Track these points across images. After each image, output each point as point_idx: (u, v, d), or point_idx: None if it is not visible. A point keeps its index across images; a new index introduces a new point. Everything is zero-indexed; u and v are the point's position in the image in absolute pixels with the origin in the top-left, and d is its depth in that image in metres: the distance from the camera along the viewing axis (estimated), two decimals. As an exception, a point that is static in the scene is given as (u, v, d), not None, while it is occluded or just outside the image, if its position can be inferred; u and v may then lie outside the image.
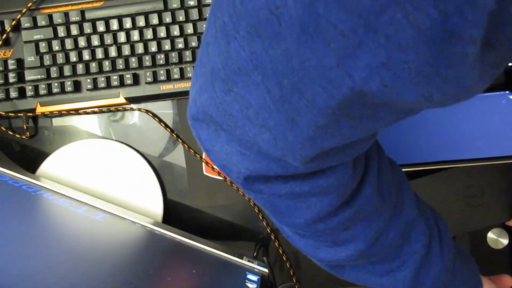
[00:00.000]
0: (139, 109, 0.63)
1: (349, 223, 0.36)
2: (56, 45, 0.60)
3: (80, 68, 0.60)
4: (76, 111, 0.62)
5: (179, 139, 0.63)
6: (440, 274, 0.40)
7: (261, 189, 0.34)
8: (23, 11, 0.60)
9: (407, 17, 0.20)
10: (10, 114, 0.61)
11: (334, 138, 0.29)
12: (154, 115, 0.63)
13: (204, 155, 0.63)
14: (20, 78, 0.61)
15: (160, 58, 0.60)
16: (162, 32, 0.59)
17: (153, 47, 0.59)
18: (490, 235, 0.63)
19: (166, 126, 0.63)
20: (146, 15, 0.59)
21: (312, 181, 0.33)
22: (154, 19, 0.59)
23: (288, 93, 0.26)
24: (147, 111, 0.63)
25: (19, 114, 0.61)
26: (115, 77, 0.60)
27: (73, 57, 0.60)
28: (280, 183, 0.33)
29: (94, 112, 0.63)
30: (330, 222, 0.35)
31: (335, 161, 0.32)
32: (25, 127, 0.63)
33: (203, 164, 0.63)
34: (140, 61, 0.60)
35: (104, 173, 0.63)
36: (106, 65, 0.60)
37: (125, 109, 0.63)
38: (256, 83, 0.27)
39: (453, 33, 0.20)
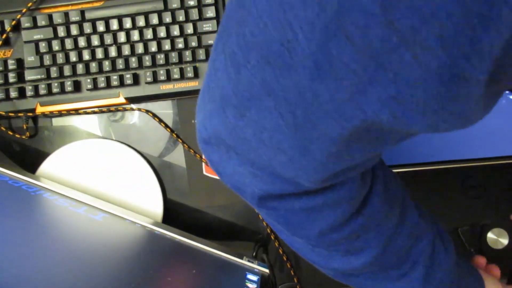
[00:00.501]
0: (139, 109, 0.63)
1: (361, 231, 0.36)
2: (56, 45, 0.60)
3: (80, 68, 0.60)
4: (76, 111, 0.62)
5: (179, 139, 0.63)
6: (448, 269, 0.41)
7: (275, 206, 0.34)
8: (23, 11, 0.60)
9: (416, 57, 0.21)
10: (10, 114, 0.61)
11: (345, 161, 0.30)
12: (154, 115, 0.63)
13: (203, 155, 0.63)
14: (20, 78, 0.61)
15: (160, 58, 0.60)
16: (162, 32, 0.59)
17: (153, 47, 0.59)
18: (490, 235, 0.63)
19: (166, 126, 0.63)
20: (146, 15, 0.59)
21: (324, 194, 0.34)
22: (154, 19, 0.59)
23: (301, 122, 0.27)
24: (147, 111, 0.63)
25: (19, 114, 0.61)
26: (115, 77, 0.60)
27: (73, 57, 0.60)
28: (293, 199, 0.34)
29: (94, 112, 0.63)
30: (343, 232, 0.36)
31: (345, 178, 0.33)
32: (25, 127, 0.63)
33: (203, 164, 0.63)
34: (140, 61, 0.60)
35: (104, 173, 0.63)
36: (106, 65, 0.60)
37: (125, 109, 0.63)
38: (269, 108, 0.28)
39: (460, 76, 0.21)
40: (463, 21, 0.20)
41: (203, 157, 0.63)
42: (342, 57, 0.23)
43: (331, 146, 0.28)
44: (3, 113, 0.61)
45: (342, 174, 0.32)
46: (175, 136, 0.63)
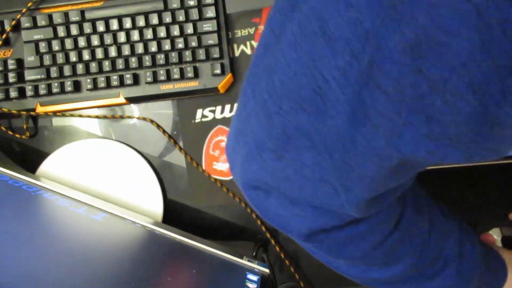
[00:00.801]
0: (138, 118, 0.63)
1: (398, 243, 0.37)
2: (56, 45, 0.60)
3: (80, 68, 0.60)
4: (79, 115, 0.62)
5: (177, 145, 0.63)
6: (476, 259, 0.42)
7: (321, 239, 0.35)
8: (23, 11, 0.60)
9: (446, 103, 0.22)
10: (13, 111, 0.61)
11: (382, 190, 0.31)
12: (152, 121, 0.63)
13: (203, 155, 0.63)
14: (20, 78, 0.61)
15: (160, 58, 0.60)
16: (162, 32, 0.59)
17: (153, 47, 0.59)
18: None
19: (164, 131, 0.63)
20: (146, 15, 0.59)
21: (366, 221, 0.34)
22: (154, 19, 0.59)
23: (339, 164, 0.28)
24: (144, 118, 0.63)
25: (22, 113, 0.61)
26: (115, 77, 0.60)
27: (73, 57, 0.60)
28: (338, 230, 0.35)
29: (97, 117, 0.63)
30: (382, 248, 0.37)
31: (387, 202, 0.34)
32: (25, 127, 0.63)
33: (203, 164, 0.63)
34: (140, 61, 0.60)
35: (104, 173, 0.62)
36: (106, 65, 0.60)
37: (122, 117, 0.63)
38: (307, 146, 0.28)
39: (493, 120, 0.22)
40: (493, 72, 0.20)
41: (203, 156, 0.63)
42: (377, 106, 0.24)
43: (371, 184, 0.29)
44: (6, 110, 0.60)
45: (383, 200, 0.33)
46: (173, 142, 0.63)
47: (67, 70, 0.60)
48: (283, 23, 0.28)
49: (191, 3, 0.59)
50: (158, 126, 0.63)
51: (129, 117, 0.63)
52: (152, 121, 0.63)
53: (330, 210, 0.32)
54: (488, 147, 0.24)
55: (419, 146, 0.24)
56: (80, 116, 0.63)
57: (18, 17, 0.60)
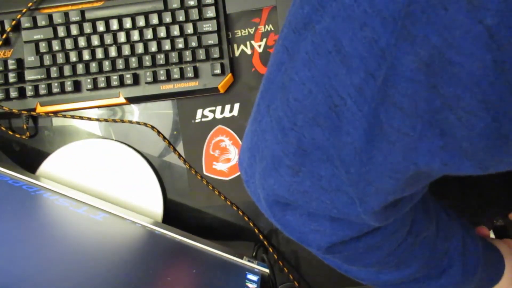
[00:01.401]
0: (138, 122, 0.63)
1: (410, 247, 0.38)
2: (56, 45, 0.60)
3: (80, 68, 0.60)
4: (79, 117, 0.62)
5: (176, 152, 0.63)
6: (478, 253, 0.43)
7: (339, 251, 0.36)
8: (23, 11, 0.60)
9: (460, 119, 0.22)
10: (14, 110, 0.61)
11: (399, 197, 0.31)
12: (153, 127, 0.63)
13: (203, 155, 0.63)
14: (20, 78, 0.61)
15: (160, 58, 0.60)
16: (162, 32, 0.59)
17: (153, 47, 0.59)
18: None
19: (165, 138, 0.63)
20: (146, 15, 0.59)
21: (382, 231, 0.35)
22: (154, 19, 0.59)
23: (355, 179, 0.28)
24: (145, 124, 0.63)
25: (23, 112, 0.61)
26: (115, 77, 0.60)
27: (73, 57, 0.60)
28: (355, 241, 0.35)
29: (97, 120, 0.63)
30: (397, 253, 0.37)
31: (404, 209, 0.35)
32: (25, 127, 0.63)
33: (203, 164, 0.63)
34: (140, 61, 0.60)
35: (104, 173, 0.63)
36: (106, 65, 0.60)
37: (122, 121, 0.63)
38: (322, 159, 0.29)
39: (507, 135, 0.22)
40: (506, 90, 0.20)
41: (203, 156, 0.63)
42: (392, 123, 0.24)
43: (388, 196, 0.29)
44: (7, 109, 0.60)
45: (401, 207, 0.33)
46: (172, 148, 0.63)
47: (67, 70, 0.60)
48: (297, 41, 0.28)
49: (191, 3, 0.59)
50: (159, 133, 0.63)
51: (130, 121, 0.63)
52: (153, 127, 0.63)
53: (348, 220, 0.33)
54: (502, 160, 0.24)
55: (434, 157, 0.25)
56: (81, 118, 0.63)
57: (18, 17, 0.60)
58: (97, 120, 0.63)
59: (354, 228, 0.33)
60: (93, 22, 0.60)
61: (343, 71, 0.25)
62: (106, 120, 0.63)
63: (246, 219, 0.63)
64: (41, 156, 0.63)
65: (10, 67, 0.61)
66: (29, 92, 0.61)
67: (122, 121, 0.63)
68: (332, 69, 0.25)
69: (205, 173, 0.63)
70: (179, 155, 0.63)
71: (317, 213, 0.33)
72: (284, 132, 0.29)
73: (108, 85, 0.60)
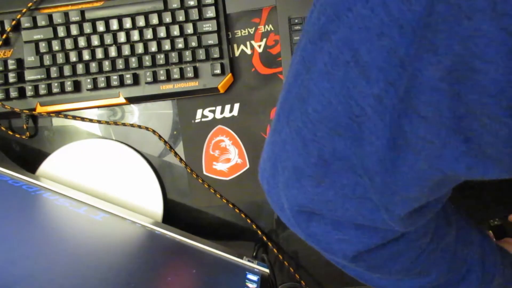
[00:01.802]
0: (139, 126, 0.63)
1: (432, 255, 0.38)
2: (56, 45, 0.60)
3: (80, 68, 0.60)
4: (80, 118, 0.62)
5: (177, 156, 0.63)
6: (495, 257, 0.43)
7: (365, 259, 0.36)
8: (23, 11, 0.60)
9: (484, 126, 0.22)
10: (16, 109, 0.61)
11: (424, 202, 0.31)
12: (154, 131, 0.63)
13: (203, 155, 0.63)
14: (20, 78, 0.61)
15: (160, 58, 0.60)
16: (162, 32, 0.59)
17: (153, 47, 0.59)
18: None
19: (166, 142, 0.63)
20: (146, 15, 0.59)
21: (406, 238, 0.35)
22: (154, 19, 0.59)
23: (380, 188, 0.28)
24: (146, 128, 0.63)
25: (24, 111, 0.61)
26: (115, 77, 0.60)
27: (73, 57, 0.60)
28: (379, 249, 0.35)
29: (98, 122, 0.63)
30: (420, 261, 0.37)
31: (431, 214, 0.34)
32: (25, 127, 0.63)
33: (203, 164, 0.63)
34: (140, 61, 0.60)
35: (104, 173, 0.63)
36: (106, 65, 0.60)
37: (124, 124, 0.63)
38: (344, 169, 0.29)
39: None
40: None
41: (202, 156, 0.63)
42: (417, 132, 0.24)
43: (414, 203, 0.29)
44: (9, 108, 0.60)
45: (427, 212, 0.33)
46: (173, 152, 0.63)
47: (67, 70, 0.60)
48: (313, 53, 0.28)
49: (191, 3, 0.59)
50: (160, 137, 0.63)
51: (132, 125, 0.63)
52: (154, 132, 0.63)
53: (373, 226, 0.33)
54: None
55: (459, 163, 0.25)
56: (82, 119, 0.63)
57: (18, 17, 0.60)
58: (98, 122, 0.63)
59: (379, 235, 0.33)
60: (93, 22, 0.60)
61: (362, 81, 0.25)
62: (107, 123, 0.63)
63: (249, 221, 0.63)
64: (41, 156, 0.63)
65: (10, 67, 0.61)
66: (29, 92, 0.61)
67: (124, 124, 0.63)
68: (351, 79, 0.25)
69: (205, 173, 0.63)
70: (180, 159, 0.63)
71: (342, 221, 0.33)
72: (305, 143, 0.29)
73: (108, 85, 0.60)
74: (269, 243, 0.63)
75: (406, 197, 0.28)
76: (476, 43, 0.20)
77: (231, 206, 0.63)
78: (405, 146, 0.25)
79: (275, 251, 0.63)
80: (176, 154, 0.63)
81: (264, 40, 0.62)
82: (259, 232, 0.63)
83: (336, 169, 0.29)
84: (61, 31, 0.60)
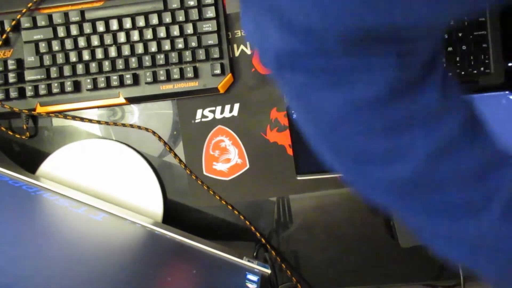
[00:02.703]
0: (139, 127, 0.63)
1: (410, 120, 0.31)
2: (56, 45, 0.60)
3: (80, 68, 0.60)
4: (80, 119, 0.62)
5: (177, 157, 0.63)
6: None
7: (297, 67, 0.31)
8: (23, 11, 0.60)
9: None
10: (15, 109, 0.60)
11: (384, 16, 0.27)
12: (154, 133, 0.63)
13: (203, 155, 0.63)
14: (20, 78, 0.61)
15: (160, 58, 0.60)
16: (162, 32, 0.59)
17: (153, 47, 0.59)
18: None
19: (165, 143, 0.63)
20: (146, 15, 0.59)
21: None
22: (154, 19, 0.59)
23: None
24: (146, 129, 0.63)
25: (24, 111, 0.61)
26: (115, 77, 0.60)
27: (73, 57, 0.60)
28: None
29: (99, 122, 0.63)
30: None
31: (386, 50, 0.29)
32: (25, 127, 0.63)
33: (203, 164, 0.63)
34: (140, 61, 0.60)
35: (104, 173, 0.63)
36: (106, 65, 0.60)
37: (124, 125, 0.63)
38: None
39: None
40: None
41: (202, 157, 0.63)
42: None
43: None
44: (8, 107, 0.60)
45: (380, 39, 0.28)
46: (173, 154, 0.63)
47: (67, 70, 0.60)
48: None
49: (191, 3, 0.59)
50: (160, 138, 0.63)
51: (131, 126, 0.63)
52: (154, 133, 0.63)
53: (309, 28, 0.29)
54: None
55: None
56: (82, 120, 0.63)
57: (18, 17, 0.60)
58: (98, 122, 0.63)
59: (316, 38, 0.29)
60: (93, 22, 0.60)
61: None
62: (107, 123, 0.63)
63: (248, 223, 0.63)
64: (41, 156, 0.63)
65: (10, 67, 0.61)
66: (29, 92, 0.61)
67: (124, 125, 0.63)
68: None
69: (205, 173, 0.63)
70: (180, 161, 0.63)
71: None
72: None
73: (108, 85, 0.60)
74: (272, 252, 0.63)
75: None
76: None
77: (230, 207, 0.63)
78: None
79: (273, 253, 0.63)
80: (175, 155, 0.63)
81: (264, 40, 0.62)
82: (258, 234, 0.63)
83: None
84: (61, 31, 0.60)
